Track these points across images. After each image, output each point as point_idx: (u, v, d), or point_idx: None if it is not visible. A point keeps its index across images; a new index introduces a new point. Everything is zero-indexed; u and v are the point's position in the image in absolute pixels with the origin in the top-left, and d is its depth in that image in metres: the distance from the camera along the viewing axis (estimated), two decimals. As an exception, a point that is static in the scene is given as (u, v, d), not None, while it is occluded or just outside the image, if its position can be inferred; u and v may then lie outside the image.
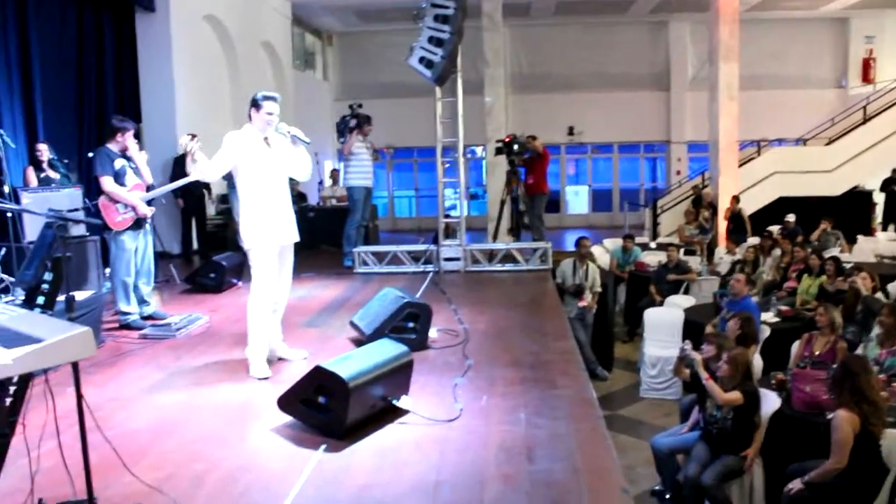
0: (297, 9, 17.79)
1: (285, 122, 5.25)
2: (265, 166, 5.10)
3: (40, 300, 2.94)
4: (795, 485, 4.69)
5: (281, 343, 5.49)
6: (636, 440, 6.88)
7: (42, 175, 7.88)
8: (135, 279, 6.63)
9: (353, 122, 9.70)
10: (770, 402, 5.38)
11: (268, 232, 5.12)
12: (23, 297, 2.94)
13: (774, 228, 13.27)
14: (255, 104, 5.08)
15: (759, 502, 5.33)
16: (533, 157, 10.69)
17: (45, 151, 7.92)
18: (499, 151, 10.71)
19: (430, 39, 8.39)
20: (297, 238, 5.36)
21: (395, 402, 4.24)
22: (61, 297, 3.55)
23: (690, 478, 5.10)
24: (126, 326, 6.54)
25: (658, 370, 8.07)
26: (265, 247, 5.11)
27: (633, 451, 6.62)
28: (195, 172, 5.14)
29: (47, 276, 2.96)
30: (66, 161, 8.24)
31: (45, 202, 6.64)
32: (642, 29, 21.26)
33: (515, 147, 10.44)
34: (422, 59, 8.48)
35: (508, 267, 9.49)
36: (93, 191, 6.97)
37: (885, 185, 17.07)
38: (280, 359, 5.44)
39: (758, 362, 6.63)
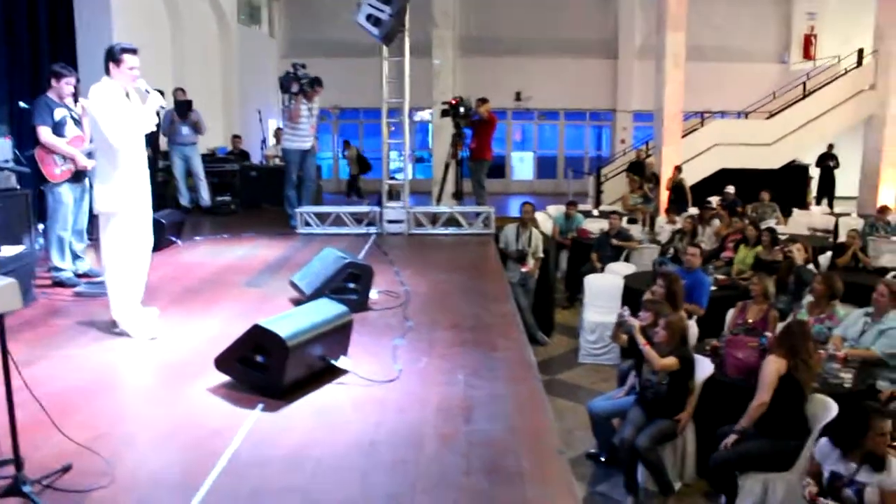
0: (243, -39, 17.35)
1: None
2: (131, 123, 4.84)
3: (-37, 252, 2.82)
4: (730, 440, 4.83)
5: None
6: (574, 404, 6.98)
7: None
8: (70, 235, 6.44)
9: (295, 88, 9.52)
10: (704, 368, 5.50)
11: (133, 195, 4.90)
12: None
13: (714, 199, 13.52)
14: (114, 58, 4.79)
15: (690, 464, 5.47)
16: (479, 122, 10.65)
17: None
18: (444, 114, 10.63)
19: (379, -4, 8.25)
20: (149, 200, 5.14)
21: (333, 362, 4.22)
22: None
23: (625, 440, 5.21)
24: (59, 283, 6.36)
25: (597, 336, 8.18)
26: (130, 211, 4.90)
27: (570, 415, 6.73)
28: (111, 136, 4.77)
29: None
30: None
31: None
32: (592, -6, 21.27)
33: (461, 109, 10.37)
34: (369, 17, 8.34)
35: (451, 230, 9.48)
36: (29, 141, 6.70)
37: (821, 161, 17.62)
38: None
39: (694, 329, 6.77)
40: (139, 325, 5.00)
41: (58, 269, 6.39)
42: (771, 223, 11.46)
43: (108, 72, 4.85)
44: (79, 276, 6.52)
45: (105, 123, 4.72)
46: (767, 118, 18.30)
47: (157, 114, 5.12)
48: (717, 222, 11.08)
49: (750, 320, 6.22)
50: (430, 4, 16.37)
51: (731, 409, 5.25)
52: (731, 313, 6.57)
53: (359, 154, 19.63)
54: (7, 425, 2.85)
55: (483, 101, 10.65)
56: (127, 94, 4.88)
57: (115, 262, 4.93)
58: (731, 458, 4.87)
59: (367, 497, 2.94)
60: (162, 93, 5.04)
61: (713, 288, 7.82)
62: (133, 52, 4.83)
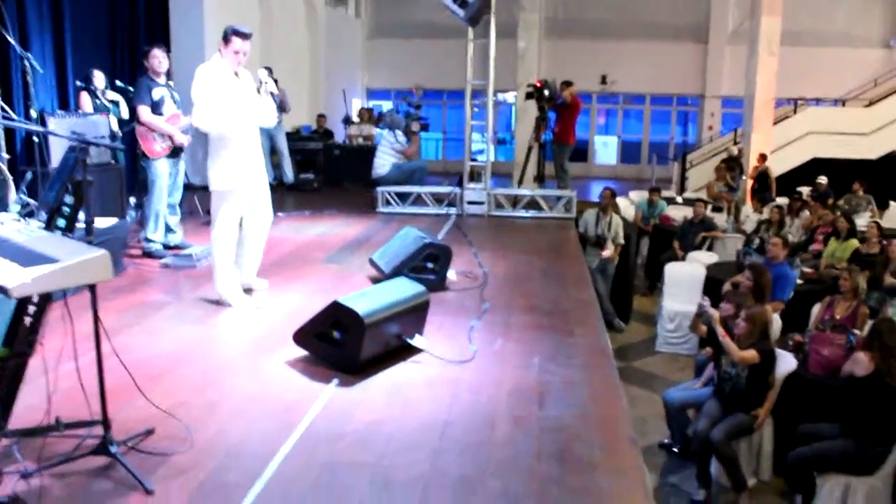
0: (332, -57, 17.51)
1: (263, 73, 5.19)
2: (236, 103, 4.94)
3: (60, 223, 2.95)
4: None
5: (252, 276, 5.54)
6: (649, 393, 6.89)
7: (97, 102, 7.85)
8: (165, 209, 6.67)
9: (416, 127, 10.12)
10: (786, 362, 5.34)
11: (238, 174, 5.01)
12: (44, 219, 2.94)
13: (805, 190, 13.06)
14: (225, 38, 4.89)
15: (766, 462, 5.34)
16: (563, 105, 10.53)
17: (100, 78, 7.84)
18: (529, 96, 10.56)
19: (465, -22, 8.23)
20: (265, 178, 5.28)
21: (409, 341, 4.26)
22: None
23: (700, 433, 5.11)
24: (149, 255, 6.60)
25: (675, 325, 8.03)
26: (234, 191, 5.02)
27: (644, 404, 6.64)
28: (195, 118, 4.97)
29: (68, 199, 2.96)
30: (122, 86, 8.07)
31: (71, 128, 6.62)
32: (684, -23, 20.69)
33: (546, 93, 10.27)
34: (455, -1, 8.33)
35: (532, 214, 9.44)
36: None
37: (923, 152, 16.74)
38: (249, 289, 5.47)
39: (777, 323, 6.57)
40: (242, 297, 5.17)
41: (149, 241, 6.62)
42: (865, 216, 11.00)
43: (220, 51, 4.98)
44: (169, 248, 6.75)
45: (197, 103, 4.86)
46: (867, 106, 17.51)
47: (282, 107, 5.29)
48: (806, 213, 10.69)
49: (838, 316, 5.99)
50: (517, -14, 16.20)
51: (812, 406, 5.10)
52: (817, 308, 6.35)
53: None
54: (97, 389, 2.95)
55: (567, 84, 10.53)
56: (236, 74, 4.97)
57: (220, 238, 5.09)
58: (811, 456, 4.73)
59: (438, 476, 2.96)
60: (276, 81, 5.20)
61: (799, 281, 7.57)
62: (242, 35, 4.90)
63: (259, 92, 5.15)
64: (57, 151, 6.61)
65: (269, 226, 5.46)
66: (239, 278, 5.25)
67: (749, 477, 5.24)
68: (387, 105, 20.38)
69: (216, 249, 5.12)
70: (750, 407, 5.14)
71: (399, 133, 10.14)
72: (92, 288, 2.81)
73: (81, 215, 3.14)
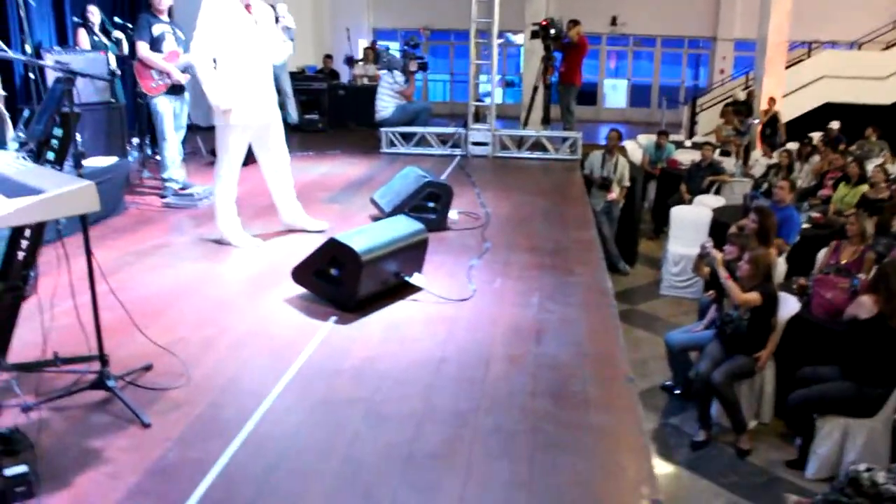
0: None
1: (283, 7, 5.07)
2: (245, 36, 4.83)
3: (49, 155, 2.89)
4: None
5: (301, 214, 5.48)
6: (652, 335, 6.89)
7: (95, 39, 7.74)
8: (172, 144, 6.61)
9: (413, 67, 9.97)
10: (789, 305, 5.30)
11: (245, 108, 4.91)
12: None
13: (816, 135, 12.86)
14: None
15: (767, 404, 5.34)
16: (569, 45, 10.33)
17: (95, 14, 7.71)
18: (534, 35, 10.35)
19: None
20: (277, 114, 5.19)
21: (407, 278, 4.24)
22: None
23: (701, 374, 5.10)
24: (161, 197, 6.55)
25: (680, 268, 7.99)
26: (237, 126, 4.94)
27: (647, 346, 6.65)
28: (191, 49, 4.88)
29: (56, 131, 2.90)
30: (122, 23, 7.94)
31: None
32: (698, -86, 20.09)
33: (552, 31, 10.06)
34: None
35: (537, 155, 9.33)
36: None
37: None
38: (302, 230, 5.44)
39: (782, 266, 6.52)
40: (243, 236, 5.16)
41: (167, 180, 6.58)
42: (877, 162, 10.83)
43: None
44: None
45: (196, 35, 4.77)
46: (884, 49, 17.12)
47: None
48: (815, 159, 10.54)
49: (843, 261, 5.91)
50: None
51: (814, 349, 5.07)
52: (823, 252, 6.28)
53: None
54: (94, 325, 2.95)
55: (574, 23, 10.32)
56: (247, 7, 4.85)
57: (222, 176, 5.06)
58: (811, 398, 4.72)
59: (431, 412, 2.96)
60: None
61: (806, 226, 7.49)
62: None
63: (277, 24, 5.03)
64: (57, 88, 6.54)
65: (288, 163, 5.39)
66: (237, 219, 5.19)
67: (750, 419, 5.25)
68: (394, 46, 20.10)
69: (218, 187, 5.09)
70: (752, 349, 5.12)
71: (397, 73, 9.98)
72: (83, 220, 2.78)
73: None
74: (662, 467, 4.88)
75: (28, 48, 6.61)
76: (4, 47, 5.92)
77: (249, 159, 8.11)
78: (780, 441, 5.17)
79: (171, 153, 6.56)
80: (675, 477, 4.83)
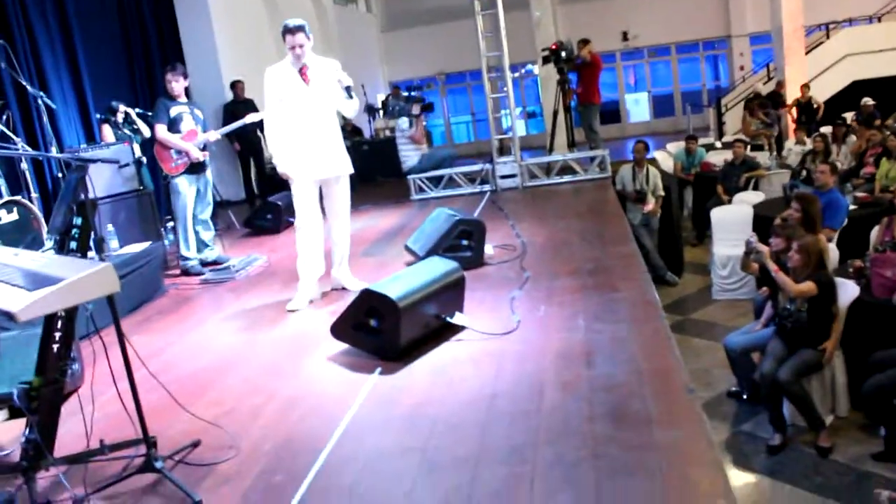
0: (334, -59, 17.36)
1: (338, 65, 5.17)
2: (298, 98, 4.96)
3: (72, 245, 2.91)
4: None
5: (346, 274, 5.46)
6: (710, 343, 6.68)
7: (118, 132, 7.93)
8: (194, 223, 6.67)
9: (416, 110, 10.04)
10: (848, 290, 5.10)
11: (301, 165, 5.01)
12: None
13: (849, 115, 12.56)
14: (283, 36, 4.94)
15: (841, 396, 5.11)
16: (583, 65, 10.29)
17: (121, 109, 7.96)
18: (546, 60, 10.35)
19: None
20: (340, 171, 5.20)
21: (449, 319, 4.15)
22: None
23: (766, 375, 4.90)
24: (185, 273, 6.61)
25: (729, 270, 7.77)
26: (298, 180, 5.04)
27: (707, 354, 6.45)
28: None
29: (76, 220, 2.92)
30: (142, 112, 8.14)
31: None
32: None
33: (563, 54, 10.05)
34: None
35: (567, 178, 9.24)
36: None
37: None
38: (343, 289, 5.41)
39: (833, 252, 6.30)
40: (305, 288, 5.24)
41: (184, 259, 6.64)
42: (914, 133, 10.53)
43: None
44: (206, 264, 6.74)
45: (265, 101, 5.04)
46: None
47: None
48: (852, 139, 10.28)
49: (898, 235, 5.71)
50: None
51: (882, 331, 4.84)
52: (875, 230, 6.07)
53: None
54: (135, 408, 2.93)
55: (584, 42, 10.31)
56: (302, 70, 4.98)
57: (298, 227, 5.20)
58: (887, 384, 4.49)
59: (488, 451, 2.85)
60: None
61: (853, 207, 7.26)
62: (290, 30, 4.91)
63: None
64: (98, 182, 6.65)
65: (344, 221, 5.36)
66: (312, 271, 5.25)
67: (826, 414, 5.01)
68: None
69: (296, 236, 5.21)
70: (816, 341, 4.92)
71: (404, 120, 10.03)
72: (110, 302, 2.76)
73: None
74: (740, 477, 4.68)
75: (54, 150, 6.76)
76: (4, 143, 6.06)
77: (283, 225, 8.22)
78: (862, 434, 4.91)
79: (188, 232, 6.62)
80: (755, 486, 4.61)
